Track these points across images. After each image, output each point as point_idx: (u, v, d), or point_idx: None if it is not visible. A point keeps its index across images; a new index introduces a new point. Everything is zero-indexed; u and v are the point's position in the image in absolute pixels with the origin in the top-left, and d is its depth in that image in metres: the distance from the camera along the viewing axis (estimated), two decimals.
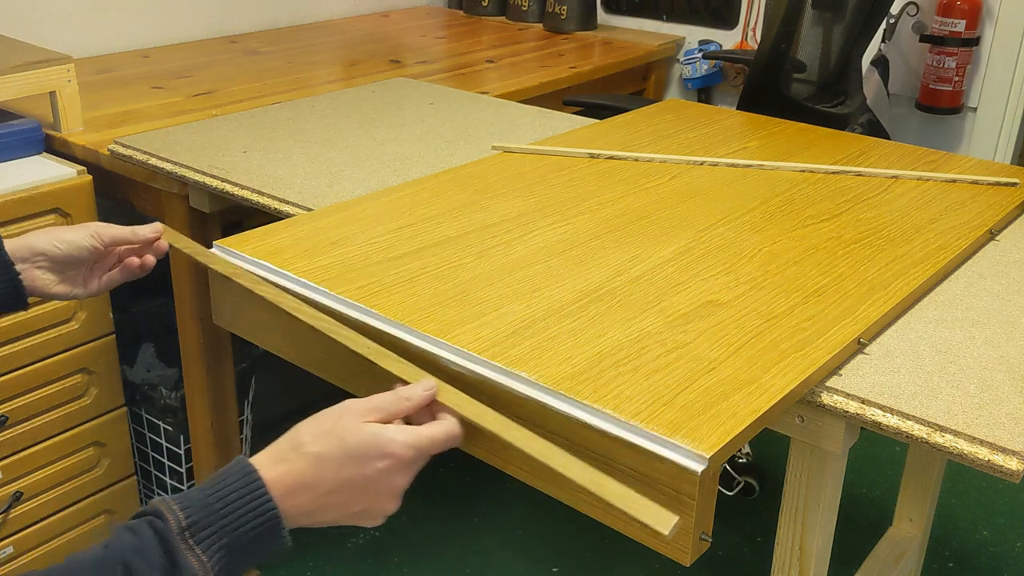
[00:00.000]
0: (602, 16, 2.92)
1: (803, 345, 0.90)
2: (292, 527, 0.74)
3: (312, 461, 0.74)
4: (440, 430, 0.78)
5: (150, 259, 1.10)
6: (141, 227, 1.07)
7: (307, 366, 1.01)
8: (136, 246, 1.09)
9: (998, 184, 1.37)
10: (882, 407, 0.86)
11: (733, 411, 0.79)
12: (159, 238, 1.08)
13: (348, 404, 0.78)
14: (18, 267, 1.01)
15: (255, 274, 1.01)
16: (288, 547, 0.73)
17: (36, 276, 1.03)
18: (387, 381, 0.94)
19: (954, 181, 1.38)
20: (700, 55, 2.71)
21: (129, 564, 0.66)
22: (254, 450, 1.60)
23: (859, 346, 0.94)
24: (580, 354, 0.87)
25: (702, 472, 0.72)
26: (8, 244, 1.00)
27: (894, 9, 2.33)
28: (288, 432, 0.77)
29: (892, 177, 1.39)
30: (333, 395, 0.89)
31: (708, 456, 0.73)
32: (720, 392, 0.82)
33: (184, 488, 1.83)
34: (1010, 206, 1.30)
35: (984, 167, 1.45)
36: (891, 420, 0.85)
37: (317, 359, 0.99)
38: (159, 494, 1.89)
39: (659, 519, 0.68)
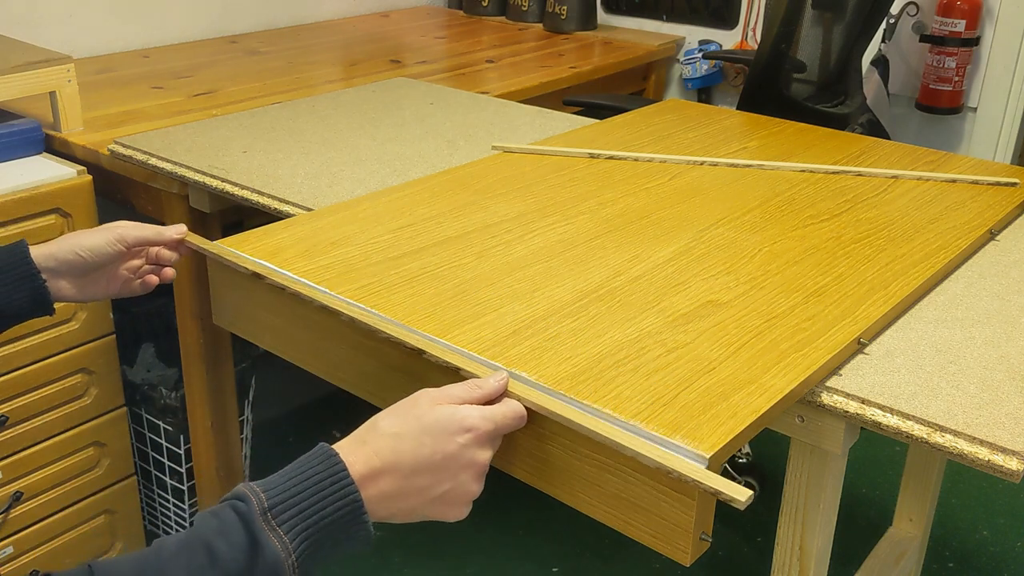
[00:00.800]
0: (602, 16, 2.92)
1: (803, 345, 0.90)
2: (375, 517, 0.73)
3: (391, 441, 0.74)
4: (510, 408, 0.79)
5: (169, 272, 1.09)
6: (166, 228, 1.07)
7: (308, 366, 1.01)
8: (158, 250, 1.08)
9: (998, 184, 1.37)
10: (882, 407, 0.86)
11: (733, 411, 0.79)
12: (183, 239, 1.07)
13: (422, 392, 0.78)
14: (48, 277, 1.00)
15: (288, 276, 1.01)
16: (371, 536, 0.73)
17: (61, 285, 1.01)
18: (399, 385, 0.94)
19: (954, 181, 1.38)
20: (700, 55, 2.71)
21: (211, 544, 0.66)
22: (254, 450, 1.62)
23: (859, 346, 0.94)
24: (580, 354, 0.87)
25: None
26: (32, 252, 1.00)
27: (894, 9, 2.33)
28: (366, 422, 0.77)
29: (892, 177, 1.39)
30: (333, 395, 0.89)
31: (708, 456, 0.73)
32: (720, 392, 0.82)
33: (184, 488, 1.83)
34: (1010, 206, 1.30)
35: (984, 167, 1.45)
36: (891, 420, 0.85)
37: (318, 359, 0.99)
38: (159, 494, 1.89)
39: (734, 490, 0.70)
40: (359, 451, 0.73)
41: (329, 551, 0.71)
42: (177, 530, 1.90)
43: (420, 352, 0.87)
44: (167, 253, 1.08)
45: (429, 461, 0.74)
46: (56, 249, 1.01)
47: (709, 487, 0.70)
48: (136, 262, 1.08)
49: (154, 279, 1.09)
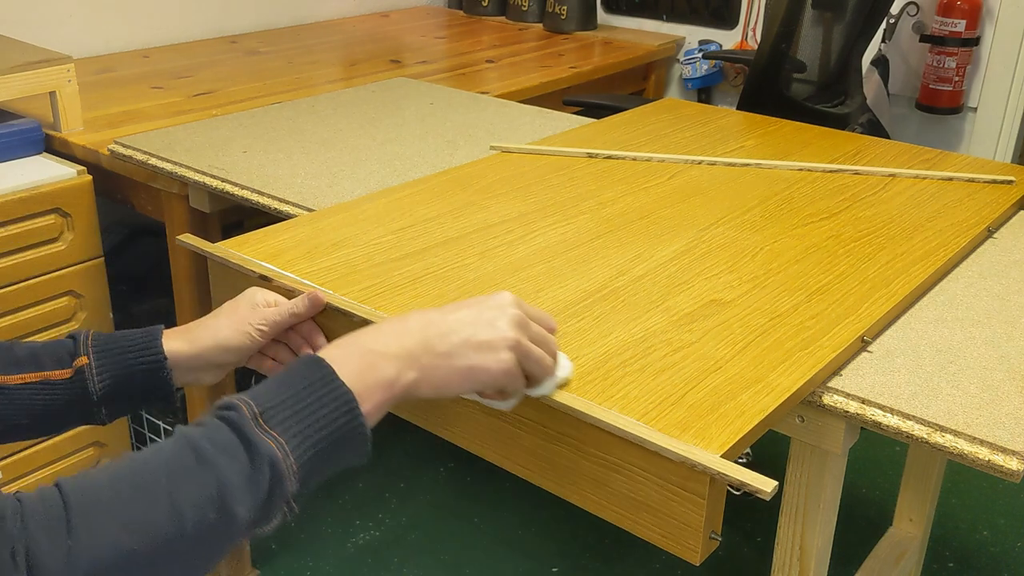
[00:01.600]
0: (602, 16, 2.92)
1: (808, 343, 0.91)
2: (375, 397, 0.71)
3: (370, 328, 0.74)
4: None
5: (320, 341, 0.93)
6: (297, 302, 0.91)
7: None
8: (310, 335, 0.93)
9: (994, 182, 1.37)
10: (882, 407, 0.86)
11: (741, 410, 0.80)
12: (321, 308, 0.92)
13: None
14: (183, 373, 0.87)
15: (292, 278, 1.01)
16: (368, 441, 0.70)
17: (203, 378, 0.89)
18: None
19: (951, 179, 1.39)
20: (700, 55, 2.71)
21: (197, 445, 0.62)
22: None
23: (863, 344, 0.94)
24: (586, 354, 0.87)
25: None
26: (177, 356, 0.87)
27: (894, 9, 2.34)
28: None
29: (889, 175, 1.40)
30: None
31: (718, 456, 0.73)
32: (727, 391, 0.82)
33: None
34: (1007, 204, 1.30)
35: (980, 165, 1.45)
36: (891, 420, 0.85)
37: None
38: None
39: (760, 481, 0.70)
40: (337, 349, 0.72)
41: (327, 459, 0.67)
42: None
43: None
44: (321, 339, 0.92)
45: (423, 317, 0.75)
46: (202, 349, 0.87)
47: (735, 479, 0.71)
48: (273, 346, 0.93)
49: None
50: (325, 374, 0.69)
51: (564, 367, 0.82)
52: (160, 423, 1.80)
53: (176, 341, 0.87)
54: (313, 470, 0.66)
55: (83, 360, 0.83)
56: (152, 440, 1.84)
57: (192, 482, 0.60)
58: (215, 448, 0.62)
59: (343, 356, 0.71)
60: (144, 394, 0.86)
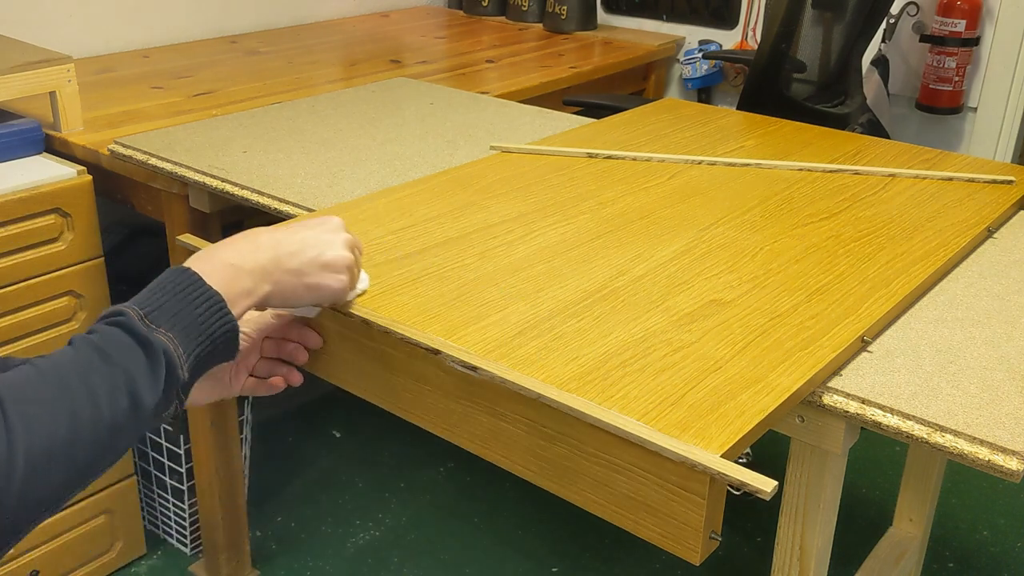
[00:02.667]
0: (602, 16, 2.92)
1: (808, 343, 0.91)
2: (240, 304, 0.79)
3: (225, 244, 0.83)
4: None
5: (297, 377, 0.98)
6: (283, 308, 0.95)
7: (309, 367, 1.01)
8: (294, 348, 0.98)
9: (994, 182, 1.37)
10: (882, 407, 0.86)
11: (741, 410, 0.80)
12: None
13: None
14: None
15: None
16: (238, 339, 0.79)
17: (192, 393, 0.89)
18: (404, 387, 0.94)
19: (950, 179, 1.39)
20: (700, 55, 2.71)
21: (100, 346, 0.69)
22: (254, 450, 1.62)
23: (863, 344, 0.94)
24: (586, 354, 0.87)
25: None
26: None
27: (894, 9, 2.34)
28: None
29: (889, 175, 1.40)
30: (333, 395, 0.90)
31: (718, 456, 0.73)
32: (727, 391, 0.82)
33: (184, 488, 1.83)
34: (1007, 204, 1.30)
35: (980, 165, 1.45)
36: (891, 420, 0.85)
37: (321, 360, 1.00)
38: (159, 494, 1.89)
39: (760, 481, 0.71)
40: (211, 267, 0.79)
41: (207, 355, 0.76)
42: (178, 531, 1.90)
43: (435, 352, 0.87)
44: (302, 355, 0.97)
45: (287, 230, 0.85)
46: None
47: (735, 479, 0.71)
48: (253, 359, 0.97)
49: (280, 382, 0.97)
50: (195, 280, 0.77)
51: (364, 280, 0.96)
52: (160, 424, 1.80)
53: None
54: (197, 364, 0.75)
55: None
56: (152, 439, 1.84)
57: (103, 377, 0.68)
58: (115, 347, 0.70)
59: (208, 268, 0.78)
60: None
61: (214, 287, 0.77)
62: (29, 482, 0.63)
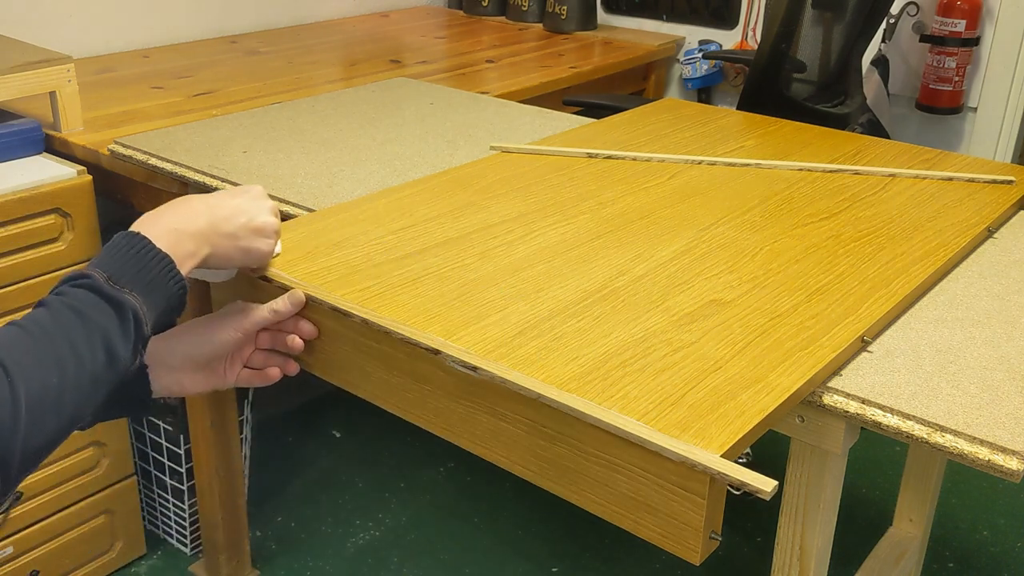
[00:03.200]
0: (602, 16, 2.92)
1: (808, 343, 0.91)
2: (186, 265, 0.86)
3: (163, 209, 0.88)
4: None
5: (294, 366, 1.00)
6: (278, 303, 0.96)
7: (310, 367, 1.01)
8: (290, 339, 0.98)
9: (994, 182, 1.38)
10: (882, 407, 0.86)
11: (741, 410, 0.80)
12: (302, 306, 0.97)
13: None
14: (163, 372, 0.94)
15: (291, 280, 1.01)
16: (186, 287, 0.85)
17: (184, 382, 0.96)
18: (404, 387, 0.94)
19: (950, 179, 1.39)
20: (700, 55, 2.71)
21: (75, 307, 0.75)
22: (254, 450, 1.62)
23: (863, 344, 0.94)
24: (586, 354, 0.87)
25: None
26: (158, 347, 0.94)
27: (894, 9, 2.34)
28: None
29: (889, 175, 1.40)
30: (333, 395, 0.90)
31: (718, 456, 0.73)
32: (727, 391, 0.82)
33: (184, 488, 1.83)
34: (1007, 204, 1.30)
35: (980, 165, 1.45)
36: (891, 420, 0.85)
37: (321, 360, 1.00)
38: (159, 494, 1.89)
39: (760, 481, 0.71)
40: (157, 232, 0.84)
41: (164, 312, 0.83)
42: (178, 531, 1.90)
43: (435, 352, 0.87)
44: (298, 342, 0.97)
45: (218, 197, 0.92)
46: (179, 345, 0.95)
47: (735, 479, 0.71)
48: (248, 350, 0.99)
49: (276, 372, 0.99)
50: (146, 244, 0.83)
51: (278, 246, 1.03)
52: (160, 423, 1.80)
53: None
54: (157, 320, 0.81)
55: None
56: (152, 440, 1.84)
57: (83, 334, 0.74)
58: (89, 307, 0.76)
59: (155, 232, 0.84)
60: (123, 399, 0.89)
61: (163, 250, 0.83)
62: (29, 428, 0.68)
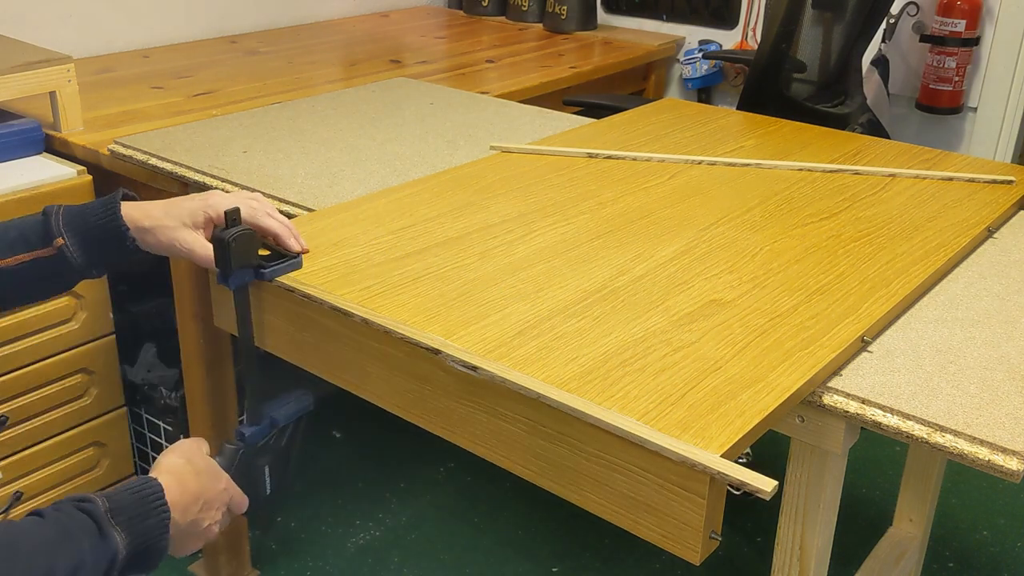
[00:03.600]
0: (602, 16, 2.92)
1: (808, 343, 0.91)
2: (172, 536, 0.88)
3: (192, 475, 0.92)
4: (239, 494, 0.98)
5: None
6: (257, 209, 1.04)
7: (310, 367, 1.01)
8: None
9: (994, 182, 1.37)
10: (882, 407, 0.86)
11: (741, 410, 0.80)
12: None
13: (197, 441, 0.98)
14: (161, 232, 1.01)
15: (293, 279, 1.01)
16: (165, 555, 0.86)
17: (181, 237, 1.02)
18: (404, 387, 0.94)
19: (951, 179, 1.39)
20: (700, 55, 2.71)
21: (67, 528, 0.77)
22: None
23: (863, 344, 0.94)
24: (586, 354, 0.87)
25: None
26: (156, 211, 1.02)
27: (894, 9, 2.34)
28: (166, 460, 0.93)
29: (889, 175, 1.40)
30: (333, 395, 0.90)
31: (718, 455, 0.73)
32: (727, 391, 0.82)
33: None
34: (1007, 204, 1.30)
35: (980, 165, 1.45)
36: (891, 420, 0.85)
37: (321, 361, 1.00)
38: None
39: (760, 481, 0.71)
40: (170, 483, 0.87)
41: (136, 563, 0.83)
42: None
43: (436, 352, 0.87)
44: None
45: (212, 496, 0.93)
46: (175, 208, 1.02)
47: (735, 479, 0.71)
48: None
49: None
50: (156, 490, 0.85)
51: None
52: (160, 423, 1.80)
53: (131, 208, 1.02)
54: (125, 570, 0.82)
55: (60, 241, 0.99)
56: (152, 440, 1.84)
57: (63, 554, 0.76)
58: (81, 532, 0.78)
59: (167, 483, 0.87)
60: (111, 251, 1.01)
61: (168, 504, 0.86)
62: None
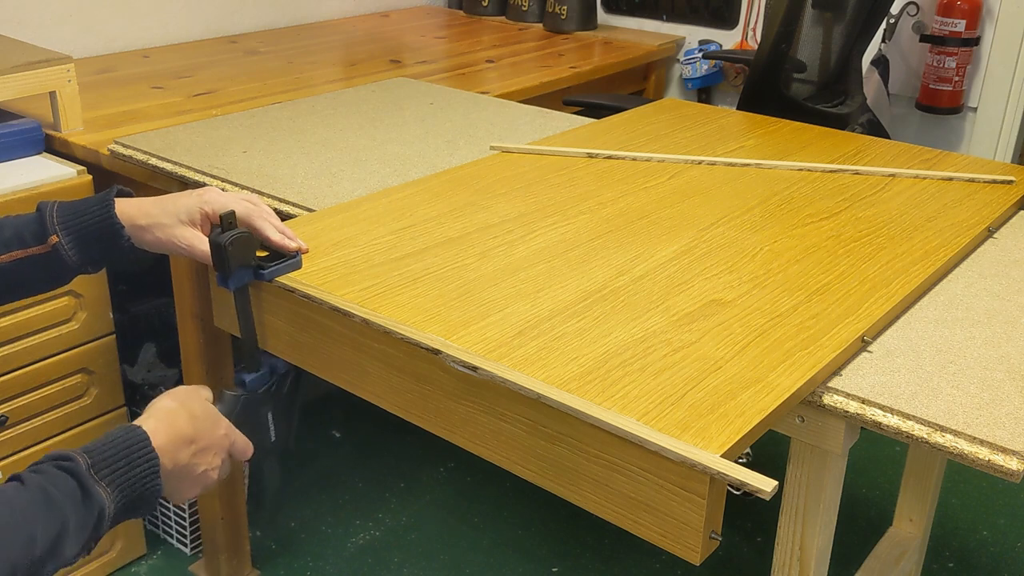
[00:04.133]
0: (602, 16, 2.92)
1: (808, 343, 0.91)
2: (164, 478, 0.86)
3: (185, 418, 0.89)
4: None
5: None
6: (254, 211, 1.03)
7: (310, 368, 1.01)
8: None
9: (994, 182, 1.37)
10: (882, 407, 0.86)
11: (741, 410, 0.80)
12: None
13: (198, 388, 0.96)
14: (159, 230, 1.01)
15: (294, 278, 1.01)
16: (158, 500, 0.84)
17: (178, 234, 1.01)
18: (405, 387, 0.94)
19: (950, 179, 1.39)
20: (700, 55, 2.71)
21: (45, 488, 0.75)
22: None
23: (863, 344, 0.94)
24: (586, 354, 0.87)
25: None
26: (152, 209, 1.01)
27: (894, 9, 2.34)
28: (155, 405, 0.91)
29: (889, 175, 1.40)
30: (333, 395, 0.90)
31: (718, 456, 0.73)
32: (727, 391, 0.82)
33: None
34: (1007, 204, 1.30)
35: (980, 165, 1.45)
36: (891, 420, 0.85)
37: (322, 361, 1.00)
38: None
39: (760, 481, 0.71)
40: (158, 427, 0.86)
41: (130, 510, 0.82)
42: (178, 531, 1.90)
43: (436, 352, 0.87)
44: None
45: (206, 437, 0.91)
46: (171, 205, 1.01)
47: (735, 479, 0.71)
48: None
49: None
50: (141, 438, 0.83)
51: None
52: None
53: (127, 206, 1.01)
54: (115, 520, 0.81)
55: (54, 238, 0.98)
56: None
57: (44, 522, 0.74)
58: (62, 495, 0.76)
59: (154, 428, 0.86)
60: (107, 248, 1.00)
61: (156, 449, 0.84)
62: None
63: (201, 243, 1.00)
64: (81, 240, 0.99)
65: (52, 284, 1.03)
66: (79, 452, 0.80)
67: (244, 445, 0.97)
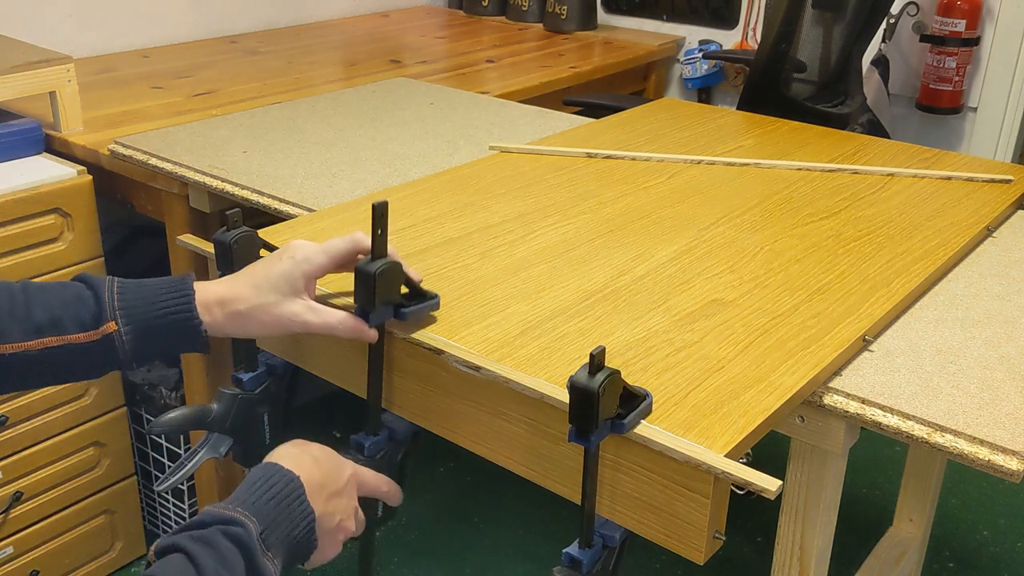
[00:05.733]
0: (602, 16, 2.92)
1: (810, 343, 0.91)
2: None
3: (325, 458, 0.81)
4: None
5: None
6: (339, 245, 0.89)
7: (311, 368, 1.01)
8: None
9: (993, 181, 1.38)
10: (882, 407, 0.86)
11: (744, 410, 0.80)
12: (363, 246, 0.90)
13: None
14: (296, 304, 0.86)
15: None
16: (313, 549, 0.77)
17: (249, 328, 0.87)
18: (405, 388, 0.94)
19: (949, 178, 1.39)
20: (700, 55, 2.71)
21: (217, 572, 0.67)
22: None
23: (864, 343, 0.94)
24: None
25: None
26: (208, 295, 0.85)
27: (894, 9, 2.34)
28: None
29: (888, 175, 1.40)
30: (333, 395, 0.90)
31: (722, 455, 0.73)
32: (730, 391, 0.82)
33: (184, 488, 1.83)
34: (1006, 203, 1.30)
35: (979, 164, 1.45)
36: (891, 420, 0.85)
37: (322, 361, 1.00)
38: (159, 494, 1.89)
39: (764, 481, 0.71)
40: (303, 466, 0.78)
41: (286, 570, 0.75)
42: None
43: (438, 352, 0.87)
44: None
45: (337, 486, 0.82)
46: (240, 288, 0.86)
47: (739, 479, 0.71)
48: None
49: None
50: (300, 496, 0.75)
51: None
52: None
53: (212, 292, 0.84)
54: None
55: (111, 326, 0.80)
56: (152, 440, 1.84)
57: None
58: (229, 571, 0.67)
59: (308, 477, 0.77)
60: (174, 346, 0.84)
61: (312, 507, 0.76)
62: None
63: (317, 315, 0.86)
64: (146, 333, 0.81)
65: (81, 377, 0.84)
66: (247, 514, 0.70)
67: (376, 483, 0.87)
